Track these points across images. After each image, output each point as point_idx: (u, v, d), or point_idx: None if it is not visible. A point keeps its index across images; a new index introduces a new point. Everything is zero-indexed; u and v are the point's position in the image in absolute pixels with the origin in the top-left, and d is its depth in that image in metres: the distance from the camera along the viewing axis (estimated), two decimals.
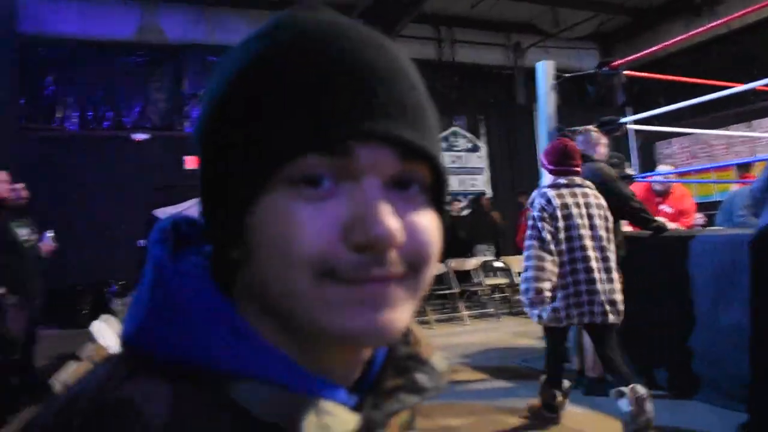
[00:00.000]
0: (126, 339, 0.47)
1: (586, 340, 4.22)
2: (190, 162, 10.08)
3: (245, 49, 0.46)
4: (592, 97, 13.66)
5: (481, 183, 11.98)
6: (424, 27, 11.78)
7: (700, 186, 10.56)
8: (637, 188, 5.31)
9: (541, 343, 5.99)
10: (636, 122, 5.87)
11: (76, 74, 9.90)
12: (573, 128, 5.90)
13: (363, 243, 0.42)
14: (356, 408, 0.48)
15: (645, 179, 5.92)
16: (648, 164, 12.44)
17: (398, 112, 0.44)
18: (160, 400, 0.42)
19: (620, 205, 4.24)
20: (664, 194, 5.94)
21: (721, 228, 5.81)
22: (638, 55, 5.83)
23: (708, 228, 7.54)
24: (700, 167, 10.44)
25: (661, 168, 5.50)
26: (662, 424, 3.67)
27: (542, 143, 5.73)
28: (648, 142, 12.35)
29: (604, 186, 4.26)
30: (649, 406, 3.14)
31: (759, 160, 8.35)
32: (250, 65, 0.45)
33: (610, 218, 3.53)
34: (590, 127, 4.91)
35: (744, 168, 7.53)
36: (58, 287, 8.59)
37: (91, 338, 2.63)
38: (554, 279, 3.35)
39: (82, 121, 9.96)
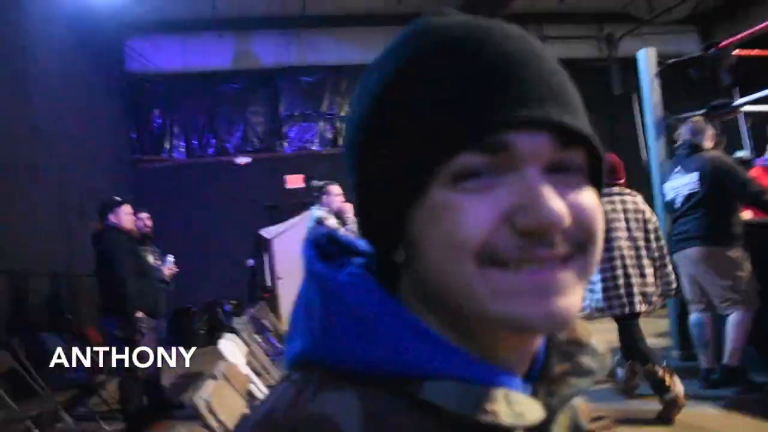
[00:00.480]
0: (302, 355, 0.47)
1: None
2: (291, 181, 10.38)
3: (388, 60, 0.47)
4: (695, 80, 13.01)
5: None
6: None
7: None
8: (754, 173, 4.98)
9: (659, 342, 5.74)
10: (747, 103, 5.52)
11: (180, 106, 10.47)
12: (679, 116, 5.65)
13: (530, 227, 0.42)
14: (533, 396, 0.48)
15: (764, 162, 5.54)
16: (761, 146, 11.69)
17: (549, 96, 0.44)
18: (352, 411, 0.43)
19: (739, 192, 4.03)
20: None
21: None
22: (748, 32, 5.50)
23: None
24: None
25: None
26: None
27: (649, 132, 5.51)
28: (760, 123, 11.60)
29: (719, 173, 4.06)
30: (677, 383, 3.63)
31: None
32: (397, 74, 0.45)
33: (650, 220, 3.80)
34: (696, 116, 4.70)
35: None
36: (174, 309, 9.09)
37: (221, 357, 2.74)
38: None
39: (188, 149, 10.49)
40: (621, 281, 3.69)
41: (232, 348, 3.03)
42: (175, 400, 5.40)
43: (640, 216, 3.80)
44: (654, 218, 3.85)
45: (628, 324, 3.78)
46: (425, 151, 0.43)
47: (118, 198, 4.69)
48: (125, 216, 4.59)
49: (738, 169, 4.13)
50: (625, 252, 3.71)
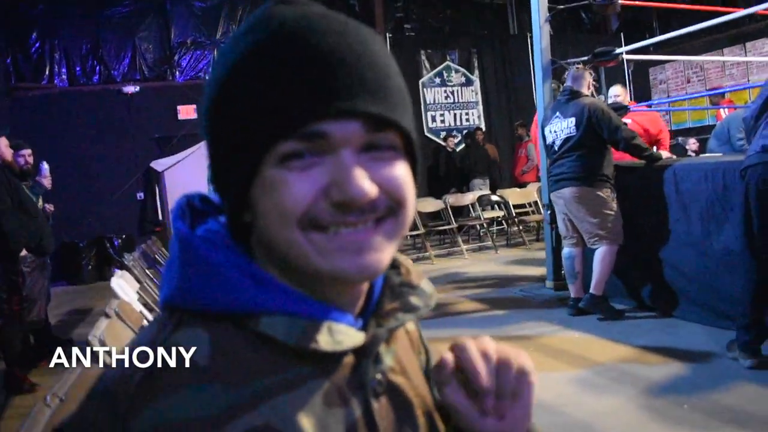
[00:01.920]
0: (166, 301, 0.57)
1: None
2: (184, 112, 10.03)
3: (232, 48, 0.55)
4: (586, 25, 13.49)
5: (475, 117, 11.95)
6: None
7: (693, 111, 10.57)
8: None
9: (538, 272, 6.19)
10: (630, 52, 5.86)
11: (62, 29, 9.73)
12: (567, 61, 5.92)
13: (340, 200, 0.51)
14: (363, 329, 0.59)
15: (640, 109, 5.94)
16: (643, 91, 12.40)
17: (361, 88, 0.52)
18: (203, 342, 0.52)
19: (612, 136, 4.35)
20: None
21: (715, 154, 5.88)
22: None
23: (701, 154, 7.63)
24: (680, 97, 10.44)
25: (613, 90, 5.54)
26: (654, 341, 3.88)
27: (537, 76, 5.75)
28: (642, 69, 12.27)
29: (593, 119, 4.36)
30: None
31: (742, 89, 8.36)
32: (237, 64, 0.54)
33: None
34: (579, 62, 4.98)
35: (719, 96, 7.58)
36: (60, 244, 8.72)
37: (114, 295, 2.74)
38: None
39: (71, 76, 9.84)
40: None
41: (123, 285, 3.03)
42: (63, 337, 5.30)
43: None
44: None
45: None
46: (255, 138, 0.52)
47: None
48: (4, 149, 4.33)
49: (612, 115, 4.44)
50: None
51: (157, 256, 5.88)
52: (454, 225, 8.55)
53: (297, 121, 0.51)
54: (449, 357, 0.60)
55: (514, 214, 9.11)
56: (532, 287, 5.83)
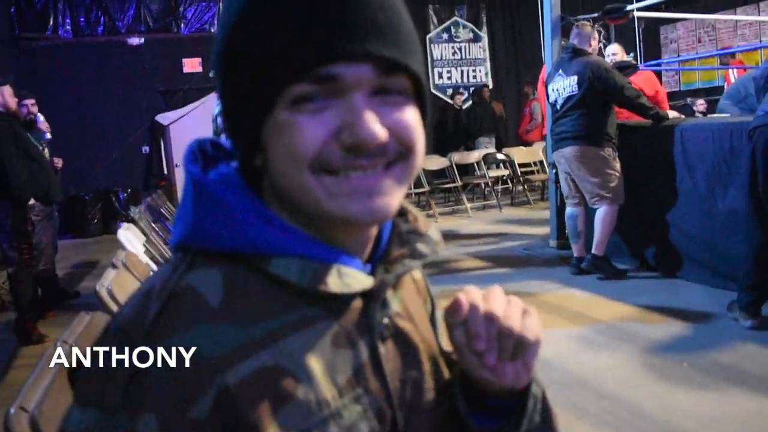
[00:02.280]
0: (179, 241, 0.58)
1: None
2: (189, 65, 9.93)
3: None
4: None
5: (483, 74, 11.81)
6: None
7: (703, 72, 10.43)
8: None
9: (541, 231, 6.21)
10: (641, 9, 5.74)
11: None
12: (577, 17, 5.82)
13: (352, 143, 0.52)
14: (371, 273, 0.60)
15: (649, 68, 5.87)
16: (654, 50, 12.19)
17: (373, 31, 0.51)
18: (216, 283, 0.53)
19: (616, 95, 4.31)
20: None
21: (725, 114, 5.82)
22: None
23: (710, 114, 7.55)
24: (690, 56, 10.27)
25: (611, 48, 5.47)
26: (655, 301, 3.92)
27: (546, 33, 5.66)
28: (652, 28, 12.05)
29: (595, 77, 4.31)
30: None
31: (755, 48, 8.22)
32: (248, 6, 0.53)
33: None
34: (586, 19, 4.90)
35: (729, 57, 7.46)
36: (66, 197, 8.74)
37: (121, 246, 2.77)
38: None
39: (75, 27, 9.71)
40: None
41: (130, 237, 3.06)
42: (70, 290, 5.38)
43: None
44: None
45: None
46: (267, 80, 0.52)
47: None
48: (9, 98, 4.30)
49: (615, 74, 4.39)
50: None
51: (162, 210, 5.91)
52: (459, 183, 8.54)
53: (308, 63, 0.51)
54: (463, 300, 0.60)
55: (519, 173, 9.08)
56: (536, 246, 5.86)
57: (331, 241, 0.58)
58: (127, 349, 0.50)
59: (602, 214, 4.49)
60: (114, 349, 0.50)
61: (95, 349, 0.51)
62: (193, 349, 0.50)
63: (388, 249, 0.64)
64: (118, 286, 2.01)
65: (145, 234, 3.71)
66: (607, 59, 5.36)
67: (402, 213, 0.66)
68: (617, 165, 4.47)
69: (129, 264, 2.31)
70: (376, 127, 0.52)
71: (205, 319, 0.52)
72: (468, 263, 5.50)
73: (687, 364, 3.01)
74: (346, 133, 0.52)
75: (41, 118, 5.25)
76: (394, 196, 0.56)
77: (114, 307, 1.90)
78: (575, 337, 3.50)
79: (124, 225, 3.36)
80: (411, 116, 0.56)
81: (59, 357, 1.20)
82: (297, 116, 0.52)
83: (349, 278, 0.56)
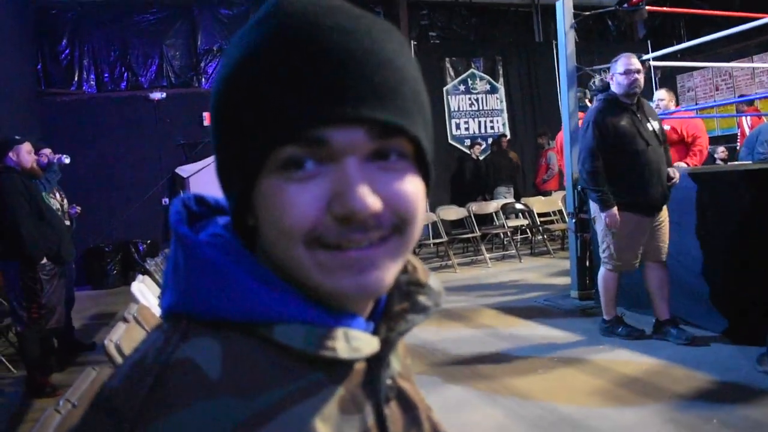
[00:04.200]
0: (170, 308, 0.54)
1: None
2: (209, 118, 10.12)
3: (239, 43, 0.52)
4: (612, 33, 13.37)
5: (500, 125, 11.87)
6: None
7: (721, 119, 10.40)
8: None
9: (562, 281, 6.11)
10: (655, 59, 5.77)
11: (91, 36, 9.90)
12: (593, 67, 5.85)
13: (343, 215, 0.48)
14: (374, 332, 0.57)
15: (664, 117, 5.86)
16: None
17: (368, 93, 0.48)
18: (213, 354, 0.49)
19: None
20: None
21: (744, 162, 5.76)
22: None
23: (730, 162, 7.48)
24: (705, 105, 10.25)
25: (658, 94, 5.47)
26: (680, 354, 3.78)
27: (563, 83, 5.69)
28: (669, 77, 12.11)
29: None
30: None
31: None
32: (241, 61, 0.50)
33: None
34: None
35: (745, 104, 7.43)
36: (86, 249, 8.82)
37: (133, 299, 2.75)
38: None
39: (99, 82, 10.00)
40: None
41: (143, 290, 3.04)
42: (86, 342, 5.36)
43: None
44: None
45: None
46: (255, 141, 0.49)
47: (17, 137, 4.45)
48: (26, 156, 4.37)
49: (591, 131, 4.02)
50: None
51: None
52: (478, 233, 8.49)
53: (297, 125, 0.47)
54: None
55: (538, 223, 9.01)
56: (556, 297, 5.76)
57: (331, 302, 0.54)
58: (116, 427, 0.46)
59: (600, 275, 4.33)
60: (101, 428, 0.47)
61: (82, 427, 0.48)
62: (194, 427, 0.45)
63: (388, 303, 0.60)
64: (127, 340, 1.98)
65: (159, 286, 3.69)
66: (653, 104, 5.26)
67: None
68: (630, 229, 4.03)
69: (140, 317, 2.28)
70: (368, 199, 0.48)
71: (205, 394, 0.47)
72: (488, 314, 5.40)
73: (717, 421, 2.88)
74: (337, 203, 0.48)
75: (59, 158, 5.29)
76: (389, 271, 0.52)
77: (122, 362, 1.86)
78: (599, 391, 3.38)
79: (139, 277, 3.34)
80: (409, 185, 0.52)
81: (57, 417, 1.17)
82: (286, 185, 0.49)
83: (356, 342, 0.53)
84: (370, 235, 0.50)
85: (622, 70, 4.00)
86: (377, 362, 0.57)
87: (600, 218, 4.08)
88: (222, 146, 0.53)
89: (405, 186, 0.51)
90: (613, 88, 4.09)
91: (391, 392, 0.59)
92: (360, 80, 0.48)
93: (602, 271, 4.24)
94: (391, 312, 0.59)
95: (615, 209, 3.97)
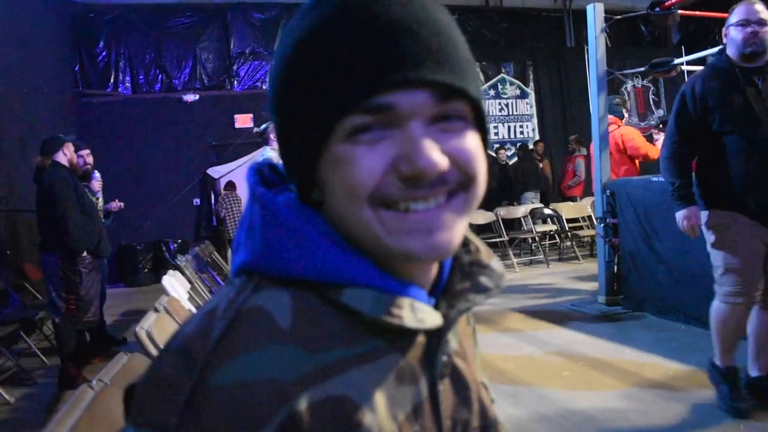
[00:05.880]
0: (243, 265, 0.55)
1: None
2: (241, 120, 10.25)
3: (298, 24, 0.54)
4: (645, 38, 13.22)
5: (530, 130, 11.82)
6: None
7: None
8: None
9: (590, 287, 6.06)
10: (689, 62, 5.70)
11: (127, 39, 10.12)
12: (623, 72, 5.81)
13: (410, 174, 0.50)
14: (434, 308, 0.58)
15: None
16: None
17: (427, 57, 0.50)
18: (284, 306, 0.51)
19: None
20: None
21: None
22: None
23: None
24: None
25: None
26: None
27: (592, 87, 5.66)
28: None
29: None
30: None
31: None
32: (301, 40, 0.53)
33: None
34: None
35: None
36: (119, 246, 8.99)
37: (164, 291, 2.82)
38: None
39: (134, 84, 10.21)
40: None
41: (174, 283, 3.11)
42: (118, 337, 5.47)
43: None
44: None
45: None
46: (321, 113, 0.51)
47: (62, 135, 4.62)
48: (73, 153, 4.53)
49: (676, 104, 3.09)
50: None
51: (209, 260, 6.01)
52: (506, 238, 8.45)
53: (363, 93, 0.49)
54: None
55: (567, 228, 8.95)
56: (584, 302, 5.71)
57: (397, 272, 0.55)
58: (186, 368, 0.48)
59: (712, 310, 3.07)
60: (173, 367, 0.48)
61: (154, 368, 0.50)
62: (264, 369, 0.47)
63: (450, 281, 0.62)
64: (158, 329, 2.03)
65: (190, 281, 3.76)
66: None
67: (464, 243, 0.64)
68: (726, 237, 2.95)
69: (171, 309, 2.34)
70: (435, 156, 0.50)
71: (276, 339, 0.49)
72: (515, 318, 5.38)
73: (744, 427, 2.84)
74: (405, 164, 0.50)
75: (97, 176, 5.54)
76: (456, 230, 0.54)
77: (153, 350, 1.91)
78: (624, 396, 3.35)
79: (170, 272, 3.41)
80: (472, 143, 0.54)
81: (90, 393, 1.21)
82: (354, 148, 0.51)
83: (421, 313, 0.54)
84: (435, 190, 0.52)
85: (737, 19, 2.90)
86: (437, 338, 0.58)
87: (707, 234, 3.03)
88: (286, 125, 0.55)
89: (468, 143, 0.54)
90: (727, 49, 2.97)
91: (446, 369, 0.60)
92: (419, 47, 0.50)
93: (715, 304, 3.03)
94: (453, 290, 0.61)
95: (694, 208, 3.00)
